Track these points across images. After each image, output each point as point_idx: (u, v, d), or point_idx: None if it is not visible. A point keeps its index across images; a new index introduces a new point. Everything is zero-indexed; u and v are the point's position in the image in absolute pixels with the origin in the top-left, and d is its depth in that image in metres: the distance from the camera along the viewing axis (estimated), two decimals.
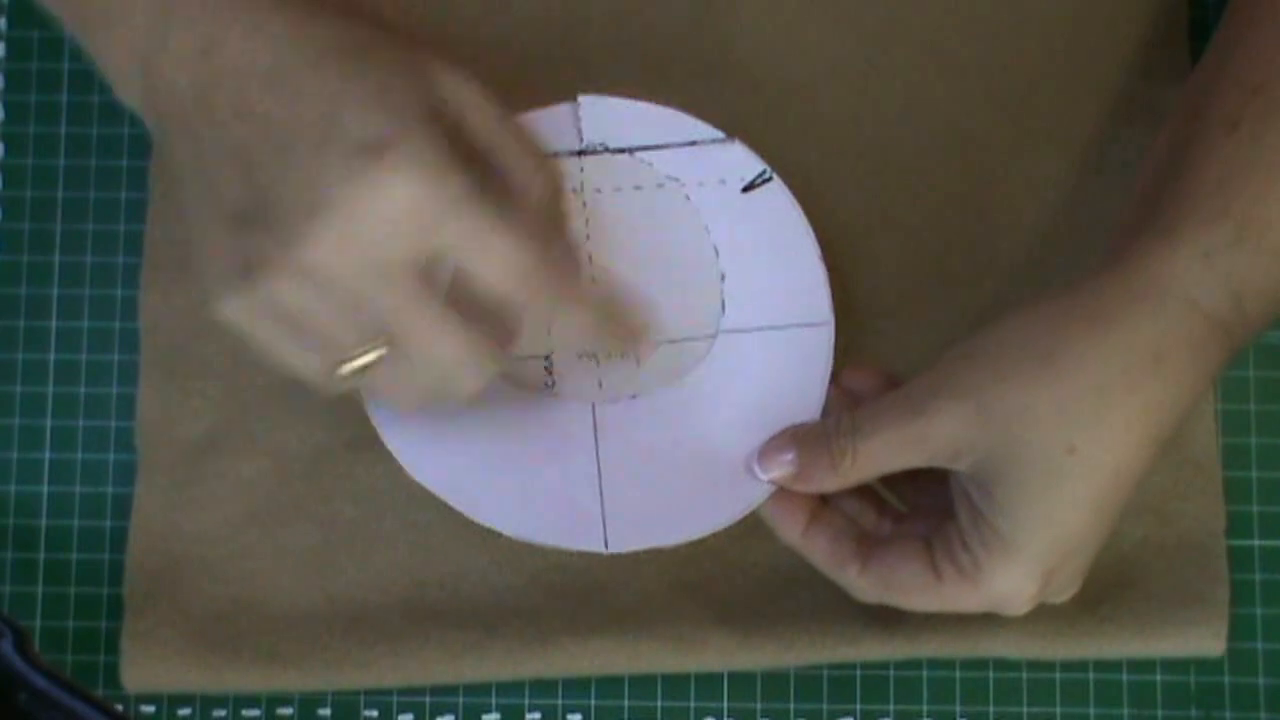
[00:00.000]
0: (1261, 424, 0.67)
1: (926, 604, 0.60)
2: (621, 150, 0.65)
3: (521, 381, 0.63)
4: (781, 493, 0.61)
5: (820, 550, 0.61)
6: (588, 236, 0.64)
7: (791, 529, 0.61)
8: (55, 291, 0.69)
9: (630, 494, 0.62)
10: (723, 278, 0.64)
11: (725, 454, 0.62)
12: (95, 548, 0.68)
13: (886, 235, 0.68)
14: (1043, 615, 0.64)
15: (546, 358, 0.63)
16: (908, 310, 0.67)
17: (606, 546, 0.62)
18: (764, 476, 0.61)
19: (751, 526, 0.64)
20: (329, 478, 0.67)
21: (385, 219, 0.52)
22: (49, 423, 0.69)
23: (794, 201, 0.64)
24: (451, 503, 0.62)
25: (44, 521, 0.68)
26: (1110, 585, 0.65)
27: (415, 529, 0.67)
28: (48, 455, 0.68)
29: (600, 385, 0.63)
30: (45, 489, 0.68)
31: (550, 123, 0.64)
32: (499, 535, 0.62)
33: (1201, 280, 0.57)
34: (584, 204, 0.64)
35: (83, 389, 0.68)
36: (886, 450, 0.59)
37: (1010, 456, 0.57)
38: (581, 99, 0.64)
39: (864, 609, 0.63)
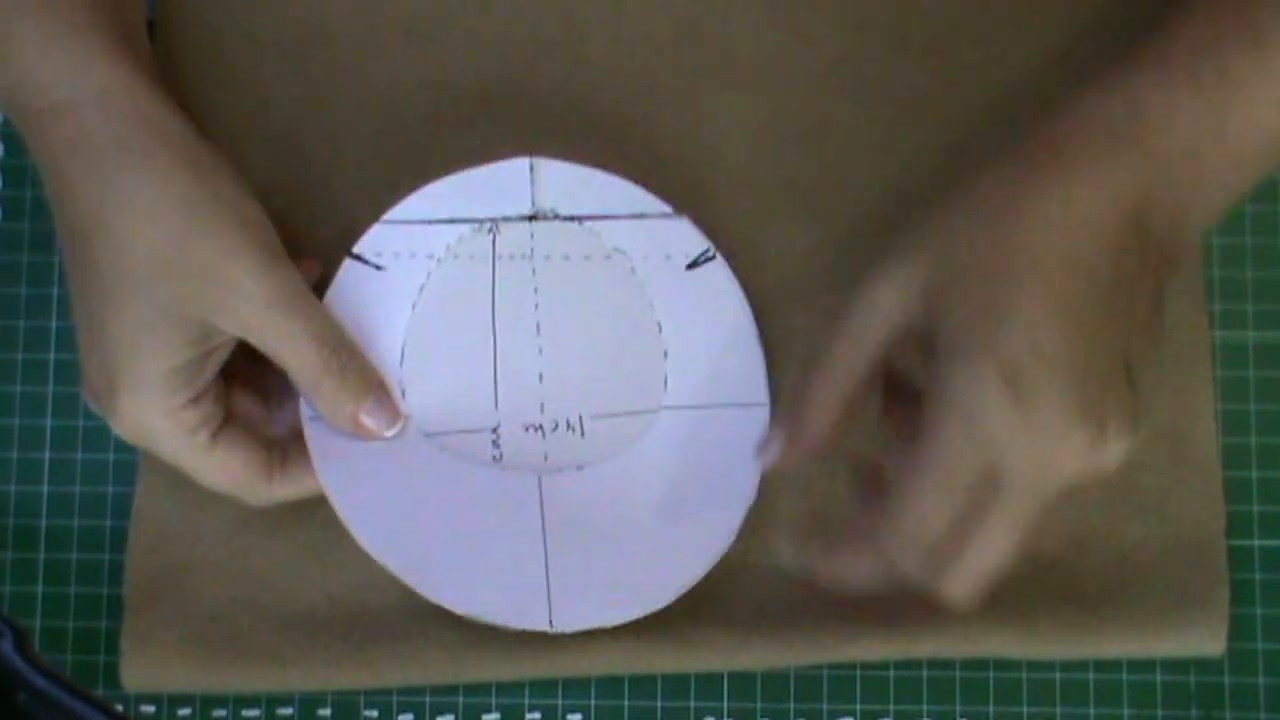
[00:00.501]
0: (1261, 424, 0.67)
1: (923, 468, 0.56)
2: (572, 218, 0.65)
3: (469, 455, 0.64)
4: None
5: (862, 570, 0.59)
6: (536, 305, 0.65)
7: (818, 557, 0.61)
8: (55, 291, 0.69)
9: (576, 568, 0.63)
10: (665, 354, 0.65)
11: (663, 530, 0.63)
12: (95, 548, 0.68)
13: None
14: (1042, 615, 0.64)
15: (494, 430, 0.64)
16: None
17: (552, 625, 0.62)
18: (769, 464, 0.61)
19: (751, 527, 0.64)
20: None
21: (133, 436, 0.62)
22: (49, 423, 0.69)
23: (735, 281, 0.65)
24: (404, 579, 0.62)
25: (44, 521, 0.68)
26: (1110, 585, 0.65)
27: None
28: (48, 455, 0.68)
29: (545, 458, 0.64)
30: (45, 489, 0.68)
31: (503, 179, 0.65)
32: None
33: (1103, 96, 0.59)
34: (534, 271, 0.65)
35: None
36: (855, 324, 0.58)
37: (948, 280, 0.57)
38: (535, 162, 0.65)
39: (864, 609, 0.63)
